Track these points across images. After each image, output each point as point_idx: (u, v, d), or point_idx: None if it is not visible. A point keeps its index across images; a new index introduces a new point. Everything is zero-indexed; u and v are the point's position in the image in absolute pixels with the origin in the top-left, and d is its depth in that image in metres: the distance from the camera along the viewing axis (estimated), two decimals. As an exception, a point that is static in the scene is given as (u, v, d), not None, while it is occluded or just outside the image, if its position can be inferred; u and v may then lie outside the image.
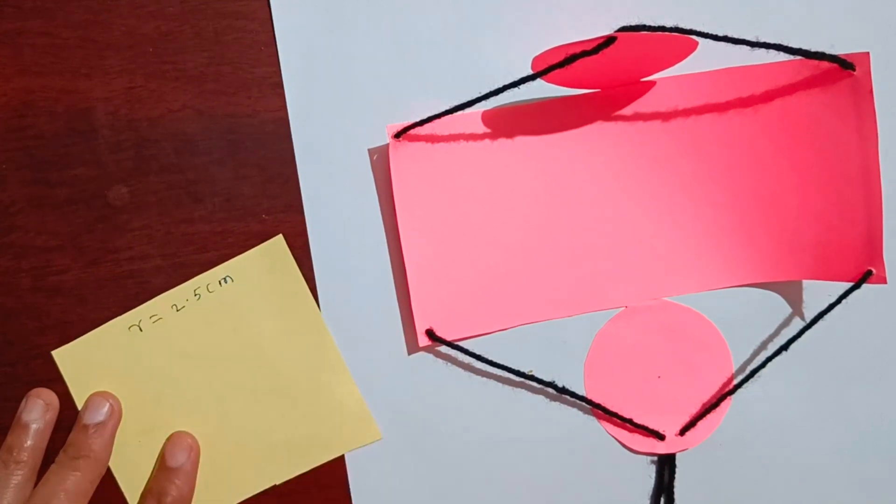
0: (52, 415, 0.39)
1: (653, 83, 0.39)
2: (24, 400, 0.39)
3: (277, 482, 0.41)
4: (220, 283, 0.40)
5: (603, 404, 0.40)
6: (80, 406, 0.40)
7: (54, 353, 0.40)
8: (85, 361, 0.40)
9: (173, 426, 0.40)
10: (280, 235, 0.40)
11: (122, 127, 0.39)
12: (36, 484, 0.37)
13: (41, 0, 0.39)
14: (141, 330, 0.40)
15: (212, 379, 0.40)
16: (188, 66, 0.39)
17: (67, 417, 0.39)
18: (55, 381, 0.40)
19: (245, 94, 0.40)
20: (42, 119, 0.39)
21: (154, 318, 0.40)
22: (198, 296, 0.40)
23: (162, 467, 0.39)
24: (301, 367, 0.40)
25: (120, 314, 0.40)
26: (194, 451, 0.39)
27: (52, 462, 0.38)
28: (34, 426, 0.38)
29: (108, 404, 0.39)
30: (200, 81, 0.40)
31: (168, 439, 0.39)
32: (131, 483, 0.40)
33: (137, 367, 0.40)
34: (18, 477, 0.37)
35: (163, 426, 0.40)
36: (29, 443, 0.37)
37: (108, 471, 0.40)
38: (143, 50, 0.39)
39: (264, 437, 0.40)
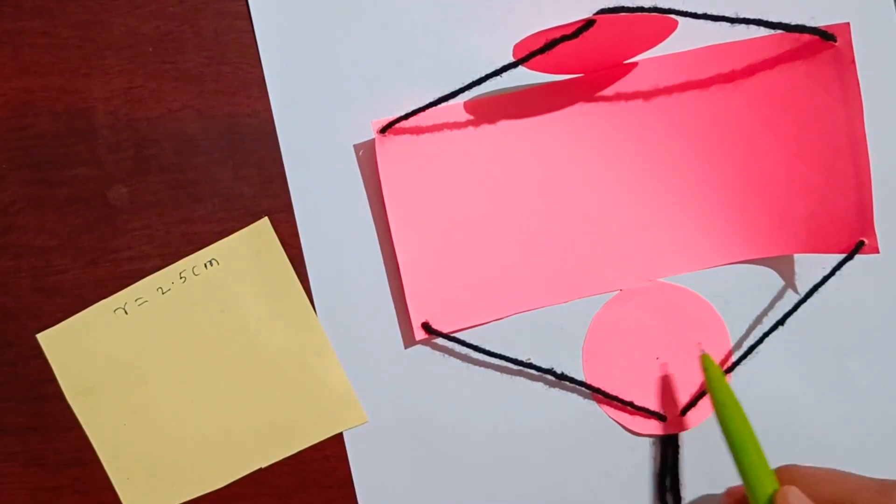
0: None
1: (635, 65, 0.38)
2: None
3: (263, 465, 0.38)
4: (205, 266, 0.37)
5: (602, 388, 0.38)
6: (65, 388, 0.37)
7: (39, 336, 0.37)
8: (70, 344, 0.37)
9: (159, 408, 0.37)
10: (265, 218, 0.38)
11: (122, 127, 0.38)
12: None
13: (41, 0, 0.37)
14: (126, 313, 0.37)
15: (197, 361, 0.37)
16: (188, 66, 0.38)
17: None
18: (54, 380, 0.37)
19: (245, 94, 0.38)
20: (42, 119, 0.37)
21: (140, 301, 0.37)
22: (183, 279, 0.37)
23: None
24: (287, 349, 0.38)
25: (119, 314, 0.37)
26: None
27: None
28: None
29: None
30: (200, 81, 0.38)
31: None
32: (116, 465, 0.37)
33: (123, 349, 0.37)
34: None
35: (148, 408, 0.37)
36: None
37: (94, 455, 0.37)
38: (143, 50, 0.37)
39: (250, 419, 0.37)
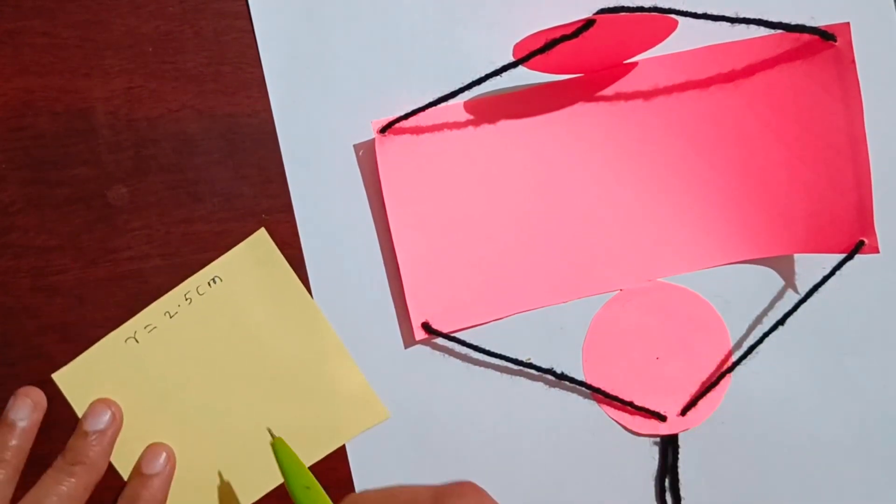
0: (38, 415, 0.36)
1: (635, 64, 0.38)
2: (11, 398, 0.36)
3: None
4: (209, 284, 0.37)
5: (603, 388, 0.38)
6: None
7: (54, 375, 0.37)
8: (86, 380, 0.37)
9: (182, 430, 0.37)
10: (262, 229, 0.38)
11: (122, 127, 0.37)
12: (18, 487, 0.34)
13: (41, 0, 0.37)
14: (137, 341, 0.37)
15: (215, 379, 0.37)
16: (188, 66, 0.37)
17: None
18: (53, 381, 0.37)
19: (245, 94, 0.38)
20: (42, 119, 0.37)
21: (149, 328, 0.37)
22: (189, 300, 0.37)
23: (136, 473, 0.36)
24: (301, 356, 0.37)
25: (119, 314, 0.37)
26: (171, 460, 0.36)
27: (49, 466, 0.35)
28: (20, 425, 0.35)
29: (109, 412, 0.36)
30: (200, 81, 0.38)
31: (146, 448, 0.37)
32: None
33: (139, 377, 0.37)
34: (0, 476, 0.34)
35: (170, 432, 0.37)
36: (13, 442, 0.35)
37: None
38: (143, 50, 0.37)
39: (274, 430, 0.37)
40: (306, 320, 0.37)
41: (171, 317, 0.37)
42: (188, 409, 0.37)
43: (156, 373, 0.37)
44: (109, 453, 0.36)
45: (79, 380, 0.37)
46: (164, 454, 0.36)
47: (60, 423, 0.36)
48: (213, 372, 0.37)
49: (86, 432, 0.35)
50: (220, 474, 0.37)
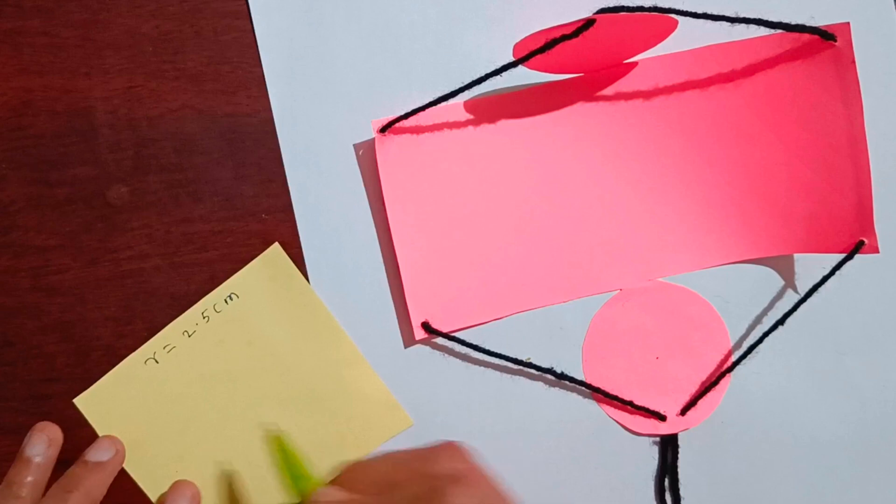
0: (54, 450, 0.35)
1: (635, 64, 0.38)
2: (28, 433, 0.35)
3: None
4: (225, 302, 0.37)
5: (602, 388, 0.38)
6: None
7: (76, 400, 0.36)
8: (107, 403, 0.37)
9: (205, 449, 0.37)
10: (276, 244, 0.37)
11: (122, 126, 0.37)
12: None
13: (41, 0, 0.37)
14: (157, 362, 0.37)
15: (235, 396, 0.37)
16: (188, 65, 0.38)
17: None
18: (53, 380, 0.37)
19: (245, 94, 0.38)
20: (42, 119, 0.37)
21: (168, 348, 0.37)
22: (206, 318, 0.37)
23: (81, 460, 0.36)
24: (321, 367, 0.37)
25: (119, 314, 0.37)
26: (196, 500, 0.36)
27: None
28: (36, 461, 0.35)
29: (114, 449, 0.36)
30: (200, 81, 0.38)
31: (170, 488, 0.36)
32: None
33: (160, 397, 0.37)
34: None
35: (195, 452, 0.37)
36: (29, 478, 0.34)
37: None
38: (143, 49, 0.37)
39: (299, 444, 0.37)
40: (323, 331, 0.37)
41: (189, 336, 0.37)
42: (212, 427, 0.37)
43: (177, 392, 0.37)
44: (106, 485, 0.35)
45: (100, 403, 0.36)
46: (189, 494, 0.36)
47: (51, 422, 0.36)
48: (235, 388, 0.37)
49: (86, 462, 0.35)
50: (246, 492, 0.37)
